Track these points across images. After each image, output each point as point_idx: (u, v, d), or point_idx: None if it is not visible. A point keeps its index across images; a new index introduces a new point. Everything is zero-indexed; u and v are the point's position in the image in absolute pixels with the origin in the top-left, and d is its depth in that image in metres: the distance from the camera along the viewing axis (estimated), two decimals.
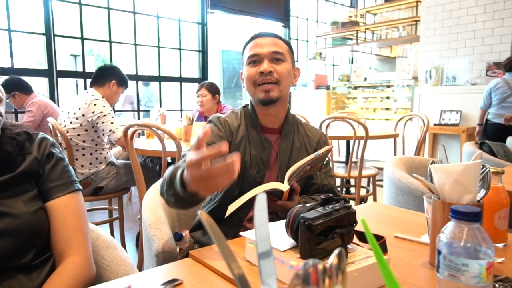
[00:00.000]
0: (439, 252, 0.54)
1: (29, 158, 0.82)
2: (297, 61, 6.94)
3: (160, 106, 5.16)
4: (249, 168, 1.16)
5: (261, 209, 0.44)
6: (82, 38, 4.34)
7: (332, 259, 0.35)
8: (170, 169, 0.98)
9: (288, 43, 1.24)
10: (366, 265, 0.65)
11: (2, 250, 0.72)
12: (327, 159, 1.17)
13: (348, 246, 0.71)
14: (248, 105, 1.27)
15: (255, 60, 1.17)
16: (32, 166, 0.81)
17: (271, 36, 1.20)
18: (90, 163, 2.39)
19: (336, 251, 0.35)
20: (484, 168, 0.77)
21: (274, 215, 1.10)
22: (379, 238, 0.81)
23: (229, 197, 1.10)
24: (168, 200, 0.98)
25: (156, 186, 1.28)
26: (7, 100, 3.37)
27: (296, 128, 1.26)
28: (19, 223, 0.75)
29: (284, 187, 1.00)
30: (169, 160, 2.47)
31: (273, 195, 1.04)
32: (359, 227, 0.75)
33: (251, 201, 1.11)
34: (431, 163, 0.78)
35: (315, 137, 1.27)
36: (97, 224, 2.51)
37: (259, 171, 1.15)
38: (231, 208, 0.98)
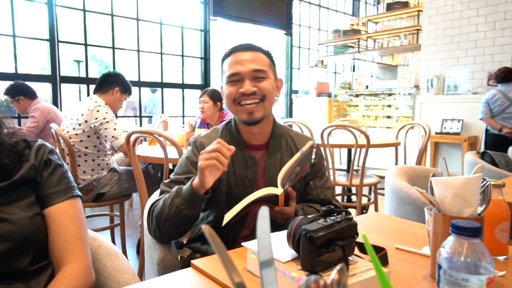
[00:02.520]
0: (440, 267, 0.55)
1: (26, 165, 0.82)
2: (298, 68, 7.02)
3: (162, 112, 5.18)
4: (235, 187, 1.13)
5: (263, 217, 0.44)
6: (86, 44, 4.38)
7: (334, 274, 0.35)
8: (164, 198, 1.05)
9: (269, 55, 1.17)
10: (367, 277, 0.66)
11: None
12: (313, 159, 1.15)
13: (349, 258, 0.71)
14: (231, 121, 1.23)
15: (235, 79, 1.11)
16: (29, 173, 0.81)
17: (251, 50, 1.13)
18: (92, 169, 2.40)
19: (337, 267, 0.36)
20: (485, 182, 0.77)
21: (272, 226, 1.09)
22: (380, 250, 0.82)
23: (220, 217, 1.08)
24: (171, 209, 1.00)
25: (157, 195, 1.29)
26: (11, 105, 3.40)
27: (284, 142, 1.21)
28: (16, 229, 0.76)
29: (278, 190, 0.99)
30: (171, 167, 2.48)
31: (269, 203, 1.03)
32: (360, 239, 0.75)
33: (244, 217, 1.12)
34: (432, 176, 0.79)
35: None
36: (98, 230, 2.52)
37: (246, 190, 1.12)
38: (228, 216, 0.97)
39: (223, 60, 1.18)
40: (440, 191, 0.75)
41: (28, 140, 0.86)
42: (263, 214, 0.44)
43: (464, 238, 0.53)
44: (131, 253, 2.72)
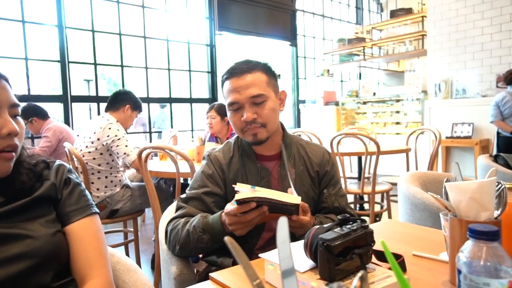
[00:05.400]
0: (459, 272, 0.55)
1: (47, 183, 0.85)
2: (305, 78, 7.05)
3: (172, 127, 5.24)
4: None
5: (282, 228, 0.45)
6: (95, 64, 4.47)
7: (356, 282, 0.36)
8: (192, 225, 1.06)
9: (266, 70, 1.16)
10: (386, 285, 0.66)
11: (21, 272, 0.74)
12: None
13: (367, 266, 0.72)
14: None
15: (235, 108, 1.13)
16: (49, 191, 0.84)
17: (246, 72, 1.12)
18: (106, 186, 2.43)
19: (359, 274, 0.36)
20: (500, 185, 0.77)
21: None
22: (397, 257, 0.81)
23: None
24: (198, 244, 1.03)
25: (172, 209, 1.30)
26: (25, 126, 3.47)
27: (296, 151, 1.22)
28: (39, 245, 0.78)
29: (297, 199, 0.95)
30: (182, 181, 2.50)
31: (285, 213, 1.00)
32: (377, 247, 0.75)
33: (260, 229, 1.13)
34: (446, 181, 0.79)
35: (317, 158, 1.23)
36: (113, 247, 2.52)
37: None
38: (239, 196, 0.92)
39: (222, 83, 1.19)
40: (455, 196, 0.75)
41: (47, 161, 0.90)
42: (282, 225, 0.45)
43: (483, 242, 0.53)
44: (146, 268, 2.72)
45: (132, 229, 2.61)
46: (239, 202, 0.92)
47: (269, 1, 6.11)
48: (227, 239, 0.42)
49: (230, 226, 0.97)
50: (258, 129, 1.12)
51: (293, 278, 0.42)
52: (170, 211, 1.30)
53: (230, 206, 0.96)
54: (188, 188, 1.21)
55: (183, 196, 1.19)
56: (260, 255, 0.80)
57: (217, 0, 5.46)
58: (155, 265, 2.32)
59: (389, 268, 0.74)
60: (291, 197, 0.96)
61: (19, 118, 0.82)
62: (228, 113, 1.18)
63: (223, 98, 1.23)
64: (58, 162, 0.91)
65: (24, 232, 0.77)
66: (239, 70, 1.14)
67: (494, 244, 0.53)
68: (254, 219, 0.95)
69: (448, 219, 0.76)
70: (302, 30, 6.91)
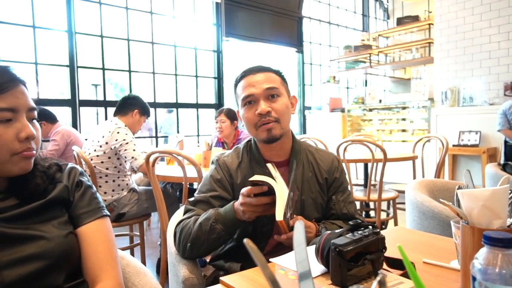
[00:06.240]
0: (474, 279, 0.55)
1: (60, 186, 0.86)
2: (311, 85, 7.07)
3: (178, 132, 5.26)
4: None
5: (298, 231, 0.45)
6: (104, 69, 4.52)
7: (374, 286, 0.36)
8: (203, 220, 1.07)
9: (279, 74, 1.21)
10: None
11: (34, 272, 0.75)
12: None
13: (378, 272, 0.72)
14: (250, 140, 1.25)
15: (250, 100, 1.15)
16: (62, 194, 0.86)
17: (261, 71, 1.17)
18: (113, 190, 2.44)
19: (378, 278, 0.36)
20: None
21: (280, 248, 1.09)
22: None
23: (244, 234, 1.11)
24: (210, 235, 1.04)
25: (180, 213, 1.31)
26: None
27: (305, 157, 1.22)
28: (52, 246, 0.79)
29: (279, 215, 0.93)
30: (188, 186, 2.51)
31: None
32: (388, 253, 0.75)
33: (267, 234, 1.14)
34: (458, 188, 0.79)
35: (326, 164, 1.23)
36: None
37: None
38: (255, 177, 0.98)
39: (235, 85, 1.21)
40: (467, 203, 0.75)
41: (60, 164, 0.91)
42: (299, 229, 0.45)
43: (498, 249, 0.53)
44: (151, 273, 2.72)
45: (138, 233, 2.62)
46: (252, 183, 0.97)
47: (276, 8, 6.15)
48: (245, 240, 0.43)
49: (241, 206, 0.99)
50: (272, 124, 1.12)
51: (309, 281, 0.43)
52: (178, 215, 1.31)
53: (246, 188, 1.00)
54: (196, 192, 1.22)
55: (192, 199, 1.20)
56: (271, 259, 0.81)
57: (225, 7, 5.51)
58: (160, 270, 2.32)
59: (401, 275, 0.74)
60: (279, 210, 0.94)
61: (35, 122, 0.83)
62: (242, 110, 1.18)
63: (233, 104, 1.24)
64: (70, 165, 0.93)
65: (38, 233, 0.78)
66: (254, 69, 1.18)
67: (509, 252, 0.53)
68: (263, 207, 0.99)
69: (460, 227, 0.76)
70: (308, 36, 6.94)
